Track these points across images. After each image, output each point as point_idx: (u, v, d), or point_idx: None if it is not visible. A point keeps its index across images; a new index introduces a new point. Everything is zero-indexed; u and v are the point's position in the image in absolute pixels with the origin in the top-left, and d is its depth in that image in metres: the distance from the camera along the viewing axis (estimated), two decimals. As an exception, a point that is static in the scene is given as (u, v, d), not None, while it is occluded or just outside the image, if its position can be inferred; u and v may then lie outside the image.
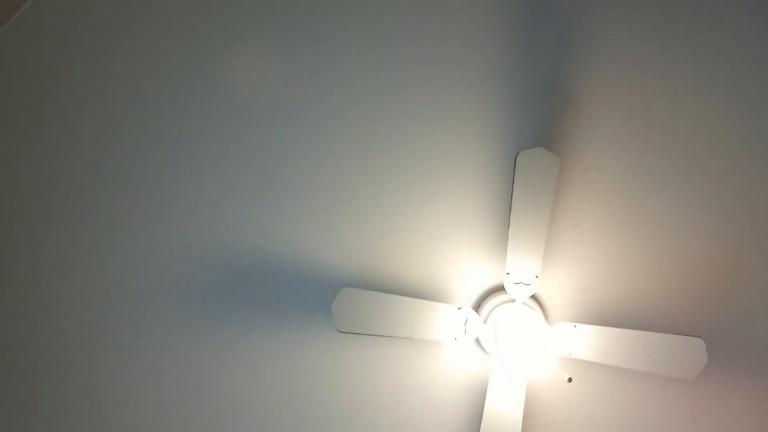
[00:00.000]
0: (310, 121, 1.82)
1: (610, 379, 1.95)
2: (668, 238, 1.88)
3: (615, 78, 1.79)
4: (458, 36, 1.78)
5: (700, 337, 1.66)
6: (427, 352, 1.94)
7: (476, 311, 1.87)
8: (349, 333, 1.65)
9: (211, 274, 1.90)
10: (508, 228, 1.61)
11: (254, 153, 1.83)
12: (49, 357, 1.95)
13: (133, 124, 1.81)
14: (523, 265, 1.66)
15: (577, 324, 1.69)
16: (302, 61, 1.79)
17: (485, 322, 1.84)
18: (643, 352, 1.67)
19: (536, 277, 1.68)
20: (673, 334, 1.66)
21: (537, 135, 1.81)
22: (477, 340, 1.89)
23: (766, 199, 1.86)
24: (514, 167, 1.54)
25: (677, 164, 1.83)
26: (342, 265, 1.89)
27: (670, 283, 1.89)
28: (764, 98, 1.80)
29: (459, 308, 1.69)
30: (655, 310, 1.91)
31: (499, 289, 1.90)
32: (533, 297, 1.90)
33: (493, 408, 1.74)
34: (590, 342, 1.68)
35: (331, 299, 1.64)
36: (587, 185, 1.84)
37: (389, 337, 1.69)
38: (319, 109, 1.81)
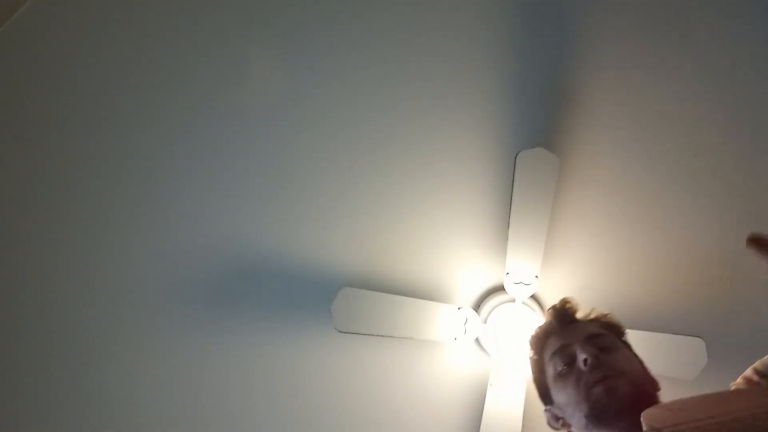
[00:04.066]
0: (311, 122, 1.82)
1: (610, 379, 1.94)
2: (668, 238, 1.87)
3: (615, 78, 1.79)
4: (458, 36, 1.77)
5: (700, 337, 1.66)
6: (427, 352, 1.94)
7: (476, 311, 1.87)
8: (349, 333, 1.65)
9: (212, 274, 1.90)
10: (508, 228, 1.61)
11: (255, 154, 1.83)
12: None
13: (134, 126, 1.81)
14: (523, 265, 1.66)
15: (577, 324, 1.68)
16: (303, 62, 1.78)
17: (485, 322, 1.84)
18: (643, 352, 1.67)
19: (536, 277, 1.68)
20: (673, 334, 1.66)
21: (537, 135, 1.81)
22: (477, 340, 1.89)
23: (766, 199, 1.86)
24: (514, 167, 1.54)
25: (677, 164, 1.83)
26: (342, 265, 1.89)
27: (670, 283, 1.89)
28: (765, 98, 1.80)
29: (459, 308, 1.69)
30: (655, 310, 1.90)
31: (499, 289, 1.90)
32: (533, 297, 1.90)
33: (493, 408, 1.74)
34: (590, 342, 1.68)
35: (331, 299, 1.64)
36: (587, 185, 1.84)
37: (389, 337, 1.69)
38: (318, 110, 1.81)
